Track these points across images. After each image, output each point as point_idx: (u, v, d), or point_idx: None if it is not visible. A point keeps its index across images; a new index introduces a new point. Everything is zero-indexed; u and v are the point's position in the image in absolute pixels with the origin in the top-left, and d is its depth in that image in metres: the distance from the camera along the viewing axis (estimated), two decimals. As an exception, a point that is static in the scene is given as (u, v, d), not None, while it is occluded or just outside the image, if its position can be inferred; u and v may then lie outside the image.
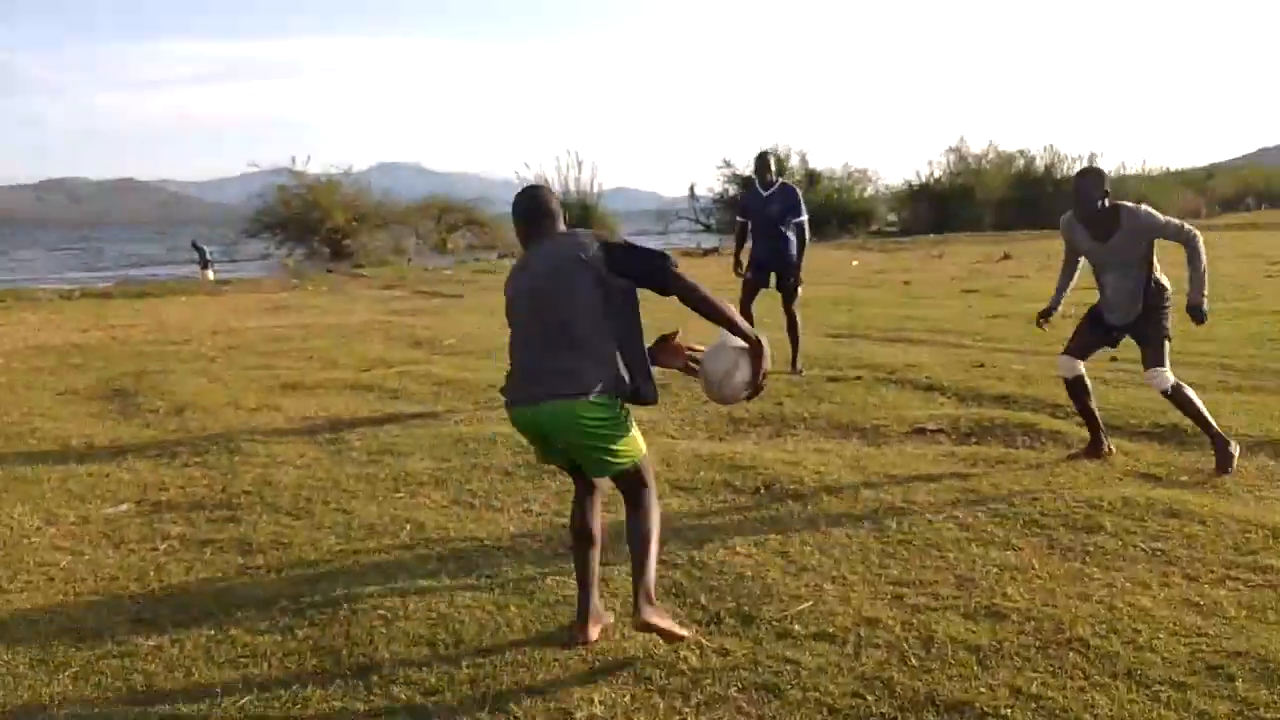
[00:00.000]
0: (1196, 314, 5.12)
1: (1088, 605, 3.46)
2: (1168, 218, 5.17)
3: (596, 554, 3.40)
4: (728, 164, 43.79)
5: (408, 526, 4.57)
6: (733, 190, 44.20)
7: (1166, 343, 5.19)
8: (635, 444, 3.24)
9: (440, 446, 6.03)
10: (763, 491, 4.94)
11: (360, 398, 7.80)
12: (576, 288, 3.16)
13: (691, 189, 42.15)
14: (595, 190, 34.76)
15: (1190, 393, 5.17)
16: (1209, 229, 35.19)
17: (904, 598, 3.61)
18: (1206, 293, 5.11)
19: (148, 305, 17.64)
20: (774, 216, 8.10)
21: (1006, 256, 22.29)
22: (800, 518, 4.55)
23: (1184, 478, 5.02)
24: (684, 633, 3.22)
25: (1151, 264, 5.17)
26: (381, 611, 3.58)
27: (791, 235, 8.12)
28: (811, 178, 42.73)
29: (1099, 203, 5.14)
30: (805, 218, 8.24)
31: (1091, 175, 5.43)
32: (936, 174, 42.94)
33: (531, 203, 3.45)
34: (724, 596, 3.67)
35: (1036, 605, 3.48)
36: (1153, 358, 5.16)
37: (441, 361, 9.53)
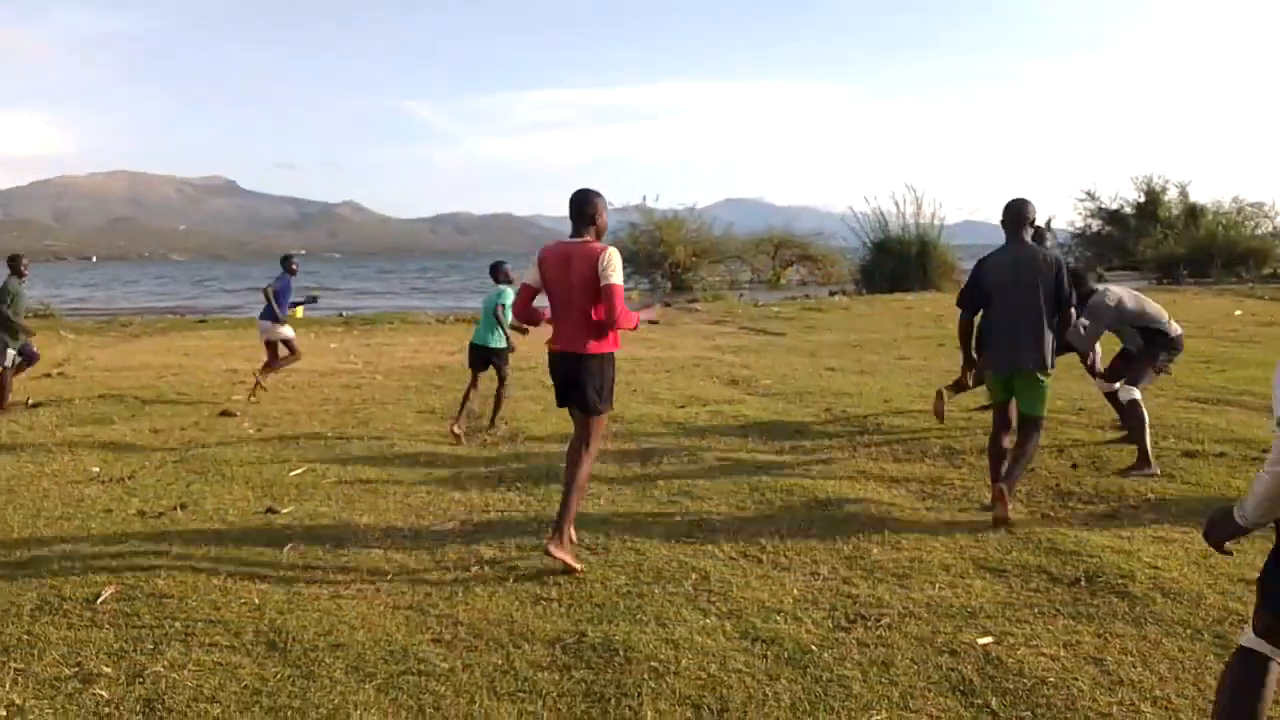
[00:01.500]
0: None
1: None
2: None
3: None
4: (1091, 196, 40.38)
5: (694, 575, 4.60)
6: (1096, 225, 40.68)
7: None
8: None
9: (739, 493, 6.04)
10: (1083, 583, 4.41)
11: (672, 434, 8.03)
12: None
13: (1048, 222, 39.21)
14: (936, 224, 33.36)
15: None
16: None
17: (1244, 737, 3.04)
18: None
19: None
20: None
21: None
22: (1125, 619, 4.01)
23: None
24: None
25: None
26: (654, 663, 3.62)
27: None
28: (1193, 213, 38.21)
29: None
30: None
31: None
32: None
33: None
34: (1018, 703, 3.30)
35: None
36: None
37: (753, 403, 9.58)
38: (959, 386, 7.67)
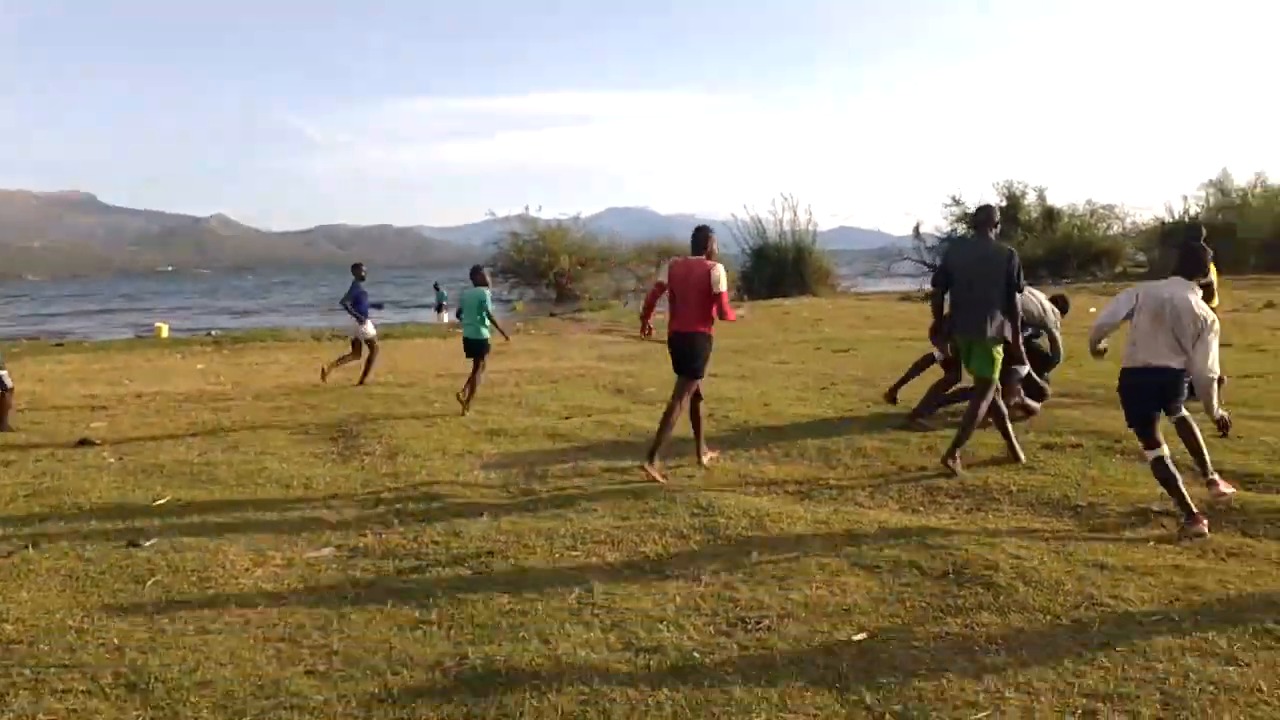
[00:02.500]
0: None
1: (1326, 747, 2.95)
2: None
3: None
4: (957, 201, 42.09)
5: (577, 589, 4.59)
6: (962, 229, 42.38)
7: None
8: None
9: (623, 503, 6.06)
10: (951, 576, 4.59)
11: (557, 447, 8.00)
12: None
13: (916, 228, 40.75)
14: (811, 230, 34.30)
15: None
16: None
17: (1097, 714, 3.22)
18: None
19: (385, 347, 19.02)
20: None
21: (1270, 305, 20.00)
22: (991, 608, 4.19)
23: None
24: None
25: None
26: (536, 682, 3.59)
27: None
28: (1050, 215, 40.31)
29: None
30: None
31: None
32: (1193, 210, 39.28)
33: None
34: (891, 697, 3.41)
35: (1259, 741, 2.99)
36: None
37: (639, 411, 9.64)
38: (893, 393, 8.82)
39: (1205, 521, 5.10)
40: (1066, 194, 73.57)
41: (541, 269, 38.22)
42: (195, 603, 4.58)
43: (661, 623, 4.14)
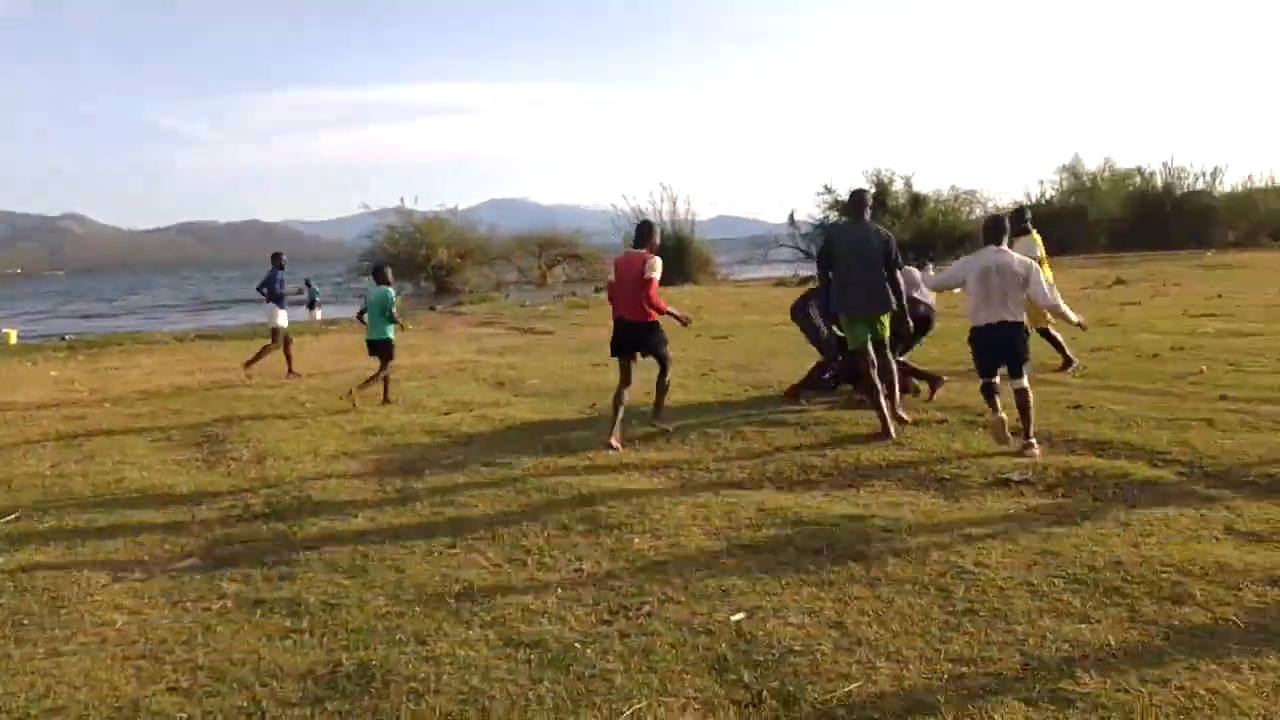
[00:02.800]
0: None
1: (1165, 692, 3.14)
2: None
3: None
4: (829, 189, 43.19)
5: (456, 587, 4.51)
6: (834, 216, 43.54)
7: None
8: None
9: (504, 497, 6.00)
10: (825, 552, 4.70)
11: (436, 443, 7.86)
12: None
13: (791, 216, 41.68)
14: (690, 220, 34.71)
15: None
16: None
17: (964, 678, 3.35)
18: None
19: (256, 347, 18.32)
20: None
21: (1119, 281, 21.26)
22: (861, 582, 4.31)
23: (1294, 538, 4.57)
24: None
25: None
26: (414, 684, 3.51)
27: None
28: (916, 201, 41.78)
29: None
30: None
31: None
32: (1049, 194, 41.43)
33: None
34: (768, 674, 3.47)
35: (1107, 691, 3.17)
36: None
37: (520, 404, 9.56)
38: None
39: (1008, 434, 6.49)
40: (932, 180, 76.53)
41: (419, 262, 37.46)
42: (46, 624, 4.31)
43: (543, 616, 4.11)
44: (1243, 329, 12.04)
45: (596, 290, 31.78)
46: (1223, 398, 7.72)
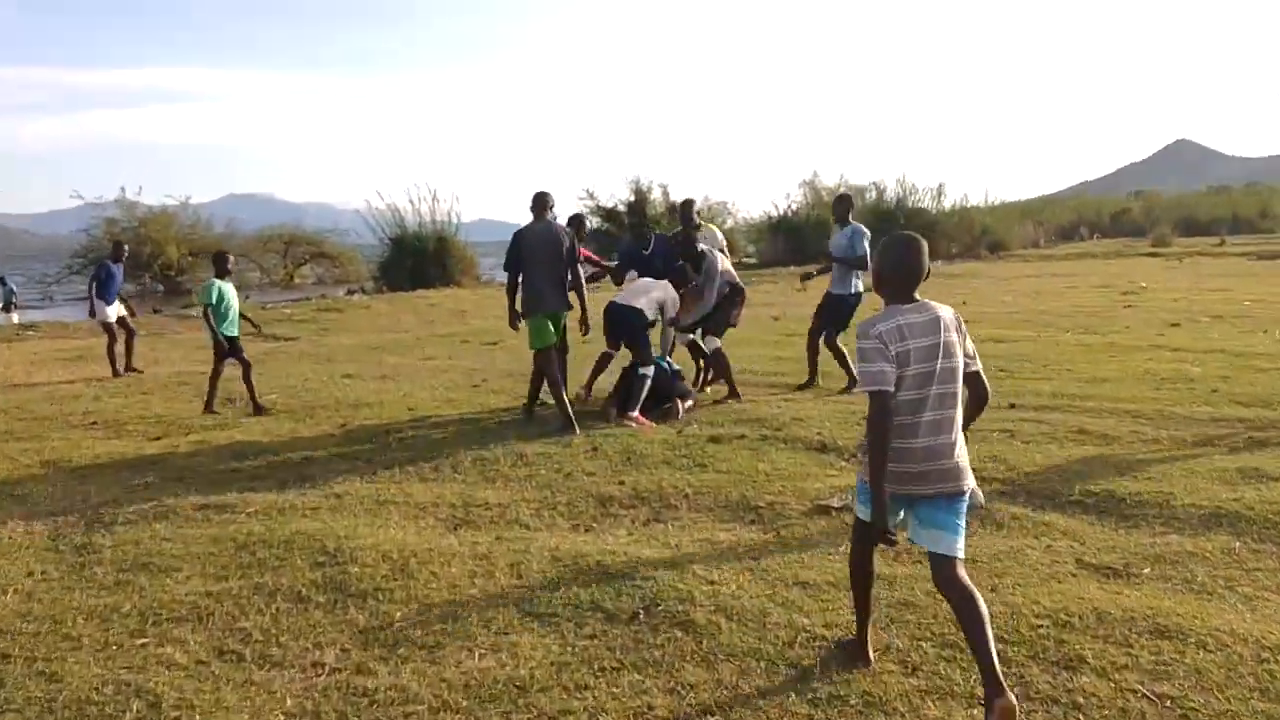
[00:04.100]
0: None
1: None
2: None
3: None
4: (591, 195, 42.81)
5: (137, 702, 3.14)
6: (597, 222, 43.26)
7: None
8: None
9: (219, 558, 4.57)
10: (642, 617, 3.72)
11: (137, 481, 6.20)
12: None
13: (570, 219, 40.87)
14: (454, 221, 33.02)
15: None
16: (1050, 259, 36.45)
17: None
18: None
19: (-77, 355, 15.11)
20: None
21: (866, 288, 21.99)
22: (694, 658, 3.36)
23: (1147, 569, 4.10)
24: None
25: None
26: None
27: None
28: (672, 210, 42.23)
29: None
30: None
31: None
32: (793, 207, 43.16)
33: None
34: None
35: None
36: None
37: (252, 424, 7.97)
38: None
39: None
40: (687, 191, 78.56)
41: (144, 260, 33.34)
42: None
43: (262, 748, 2.84)
44: (998, 335, 12.35)
45: (349, 293, 29.55)
46: (1011, 405, 7.52)
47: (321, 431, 7.64)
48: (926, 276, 3.05)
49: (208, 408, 8.66)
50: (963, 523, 2.97)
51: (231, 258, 9.44)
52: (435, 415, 8.11)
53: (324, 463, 6.51)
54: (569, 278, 7.46)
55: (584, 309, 7.45)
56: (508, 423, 7.64)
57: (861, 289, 9.05)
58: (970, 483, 2.96)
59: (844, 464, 6.01)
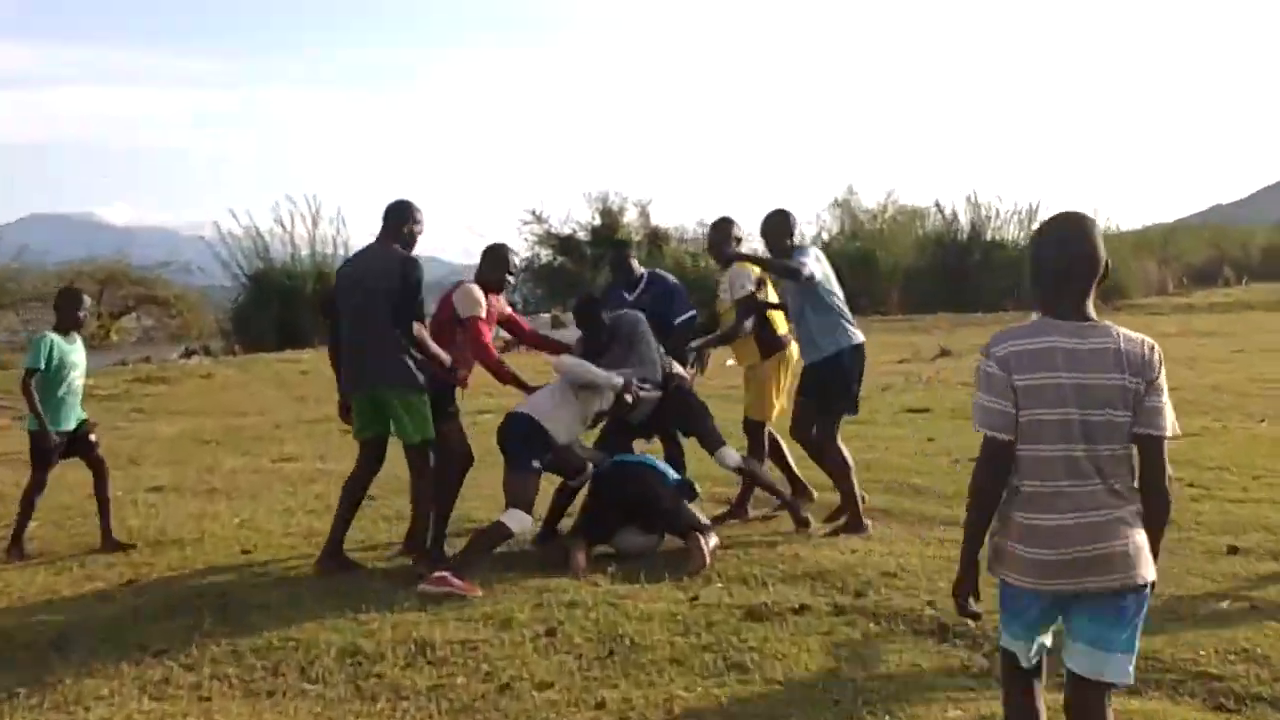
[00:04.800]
0: None
1: None
2: None
3: None
4: (538, 217, 42.28)
5: None
6: (546, 255, 42.75)
7: None
8: None
9: None
10: None
11: None
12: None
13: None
14: (341, 246, 32.30)
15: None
16: (1192, 310, 36.15)
17: None
18: None
19: None
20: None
21: (945, 353, 21.27)
22: None
23: None
24: None
25: None
26: None
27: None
28: (656, 236, 41.78)
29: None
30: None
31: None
32: (824, 235, 42.67)
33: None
34: None
35: None
36: None
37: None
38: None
39: None
40: (675, 214, 78.22)
41: None
42: None
43: None
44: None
45: (187, 354, 28.49)
46: (1232, 550, 6.49)
47: (91, 590, 6.53)
48: (1104, 278, 3.03)
49: (13, 544, 7.40)
50: (1131, 634, 2.96)
51: (88, 300, 8.19)
52: (287, 561, 7.08)
53: (81, 654, 5.34)
54: (400, 337, 6.58)
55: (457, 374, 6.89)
56: (406, 574, 6.48)
57: (858, 338, 7.61)
58: (1148, 574, 2.94)
59: (985, 660, 4.87)
